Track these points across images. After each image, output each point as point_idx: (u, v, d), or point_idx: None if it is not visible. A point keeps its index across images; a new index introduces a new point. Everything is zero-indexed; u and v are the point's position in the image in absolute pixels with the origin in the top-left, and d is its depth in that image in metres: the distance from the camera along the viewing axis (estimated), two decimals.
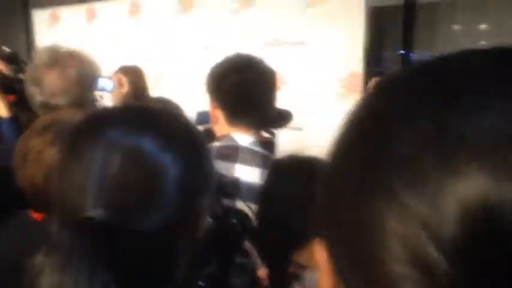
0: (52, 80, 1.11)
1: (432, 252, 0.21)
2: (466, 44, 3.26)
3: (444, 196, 0.21)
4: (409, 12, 3.45)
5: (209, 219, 0.97)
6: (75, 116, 0.74)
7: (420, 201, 0.22)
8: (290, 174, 1.00)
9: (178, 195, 0.52)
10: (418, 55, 3.49)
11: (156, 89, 3.13)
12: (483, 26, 3.35)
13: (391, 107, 0.26)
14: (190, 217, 0.55)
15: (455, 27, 3.45)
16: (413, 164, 0.23)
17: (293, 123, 2.68)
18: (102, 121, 0.54)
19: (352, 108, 0.30)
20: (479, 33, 3.36)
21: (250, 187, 1.14)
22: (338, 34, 2.70)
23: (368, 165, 0.25)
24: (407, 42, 3.45)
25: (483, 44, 3.25)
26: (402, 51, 3.46)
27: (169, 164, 0.51)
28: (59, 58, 1.13)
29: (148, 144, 0.51)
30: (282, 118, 1.32)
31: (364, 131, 0.28)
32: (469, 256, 0.21)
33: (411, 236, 0.22)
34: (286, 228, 0.93)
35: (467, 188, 0.21)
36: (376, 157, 0.25)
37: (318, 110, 2.72)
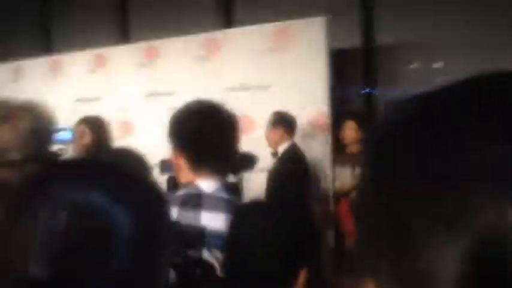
0: (5, 135, 1.07)
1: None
2: (422, 82, 3.40)
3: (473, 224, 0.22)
4: (369, 54, 3.61)
5: (170, 271, 0.92)
6: (12, 175, 0.71)
7: (455, 234, 0.22)
8: (255, 219, 0.97)
9: (131, 251, 0.50)
10: (380, 93, 3.61)
11: (125, 139, 3.10)
12: (438, 65, 3.53)
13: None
14: (145, 272, 0.53)
15: (412, 66, 3.61)
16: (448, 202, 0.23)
17: (263, 165, 2.69)
18: (48, 177, 0.53)
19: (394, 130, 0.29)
20: (434, 72, 3.52)
21: (216, 235, 1.10)
22: (302, 76, 2.77)
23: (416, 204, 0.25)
24: (369, 82, 3.58)
25: (438, 82, 3.41)
26: (365, 90, 3.58)
27: (119, 218, 0.49)
28: (11, 112, 1.10)
29: (97, 199, 0.49)
30: (247, 162, 1.32)
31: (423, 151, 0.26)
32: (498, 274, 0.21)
33: (456, 266, 0.22)
34: (253, 276, 0.90)
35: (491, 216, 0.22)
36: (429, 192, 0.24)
37: None
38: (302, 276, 0.89)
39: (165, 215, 0.57)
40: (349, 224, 2.49)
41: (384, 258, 0.27)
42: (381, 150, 0.29)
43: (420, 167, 0.25)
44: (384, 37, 3.55)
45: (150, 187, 0.57)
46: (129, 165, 0.63)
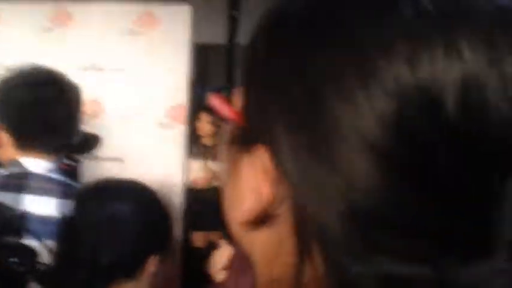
0: None
1: (380, 133, 0.22)
2: None
3: (384, 78, 0.22)
4: (231, 52, 3.68)
5: None
6: None
7: (365, 87, 0.22)
8: (100, 202, 0.89)
9: None
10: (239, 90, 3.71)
11: None
12: None
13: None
14: None
15: None
16: (359, 50, 0.23)
17: (112, 153, 2.50)
18: None
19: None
20: None
21: (44, 221, 0.96)
22: (161, 64, 2.68)
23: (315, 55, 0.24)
24: (229, 79, 3.66)
25: None
26: (224, 86, 3.65)
27: None
28: None
29: None
30: (89, 142, 1.19)
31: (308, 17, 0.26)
32: (408, 131, 0.22)
33: (363, 122, 0.22)
34: (94, 264, 0.81)
35: (404, 71, 0.22)
36: (321, 43, 0.24)
37: (139, 140, 2.61)
38: (151, 264, 0.84)
39: None
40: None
41: (285, 118, 0.25)
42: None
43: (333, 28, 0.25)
44: (249, 36, 3.64)
45: None
46: None
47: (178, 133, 2.66)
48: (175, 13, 2.71)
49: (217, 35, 3.65)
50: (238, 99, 0.29)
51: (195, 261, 2.50)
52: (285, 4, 0.28)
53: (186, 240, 2.65)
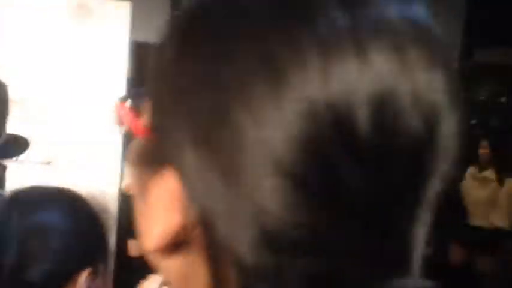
0: None
1: (289, 154, 0.21)
2: None
3: (295, 94, 0.21)
4: None
5: None
6: None
7: (274, 105, 0.21)
8: (23, 212, 0.81)
9: None
10: None
11: None
12: None
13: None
14: None
15: None
16: (270, 61, 0.22)
17: (41, 157, 2.33)
18: None
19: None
20: None
21: None
22: (97, 62, 2.57)
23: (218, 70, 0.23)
24: None
25: None
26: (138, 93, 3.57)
27: None
28: None
29: None
30: (14, 146, 1.08)
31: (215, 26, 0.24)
32: (319, 152, 0.21)
33: (271, 141, 0.21)
34: (17, 280, 0.74)
35: (316, 85, 0.21)
36: (228, 58, 0.23)
37: (71, 143, 2.48)
38: (82, 279, 0.78)
39: None
40: None
41: (191, 135, 0.23)
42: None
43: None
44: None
45: None
46: None
47: (114, 135, 2.55)
48: (114, 8, 2.61)
49: (157, 34, 3.56)
50: (147, 110, 0.27)
51: (129, 271, 2.39)
52: (193, 13, 0.27)
53: (120, 249, 2.54)
